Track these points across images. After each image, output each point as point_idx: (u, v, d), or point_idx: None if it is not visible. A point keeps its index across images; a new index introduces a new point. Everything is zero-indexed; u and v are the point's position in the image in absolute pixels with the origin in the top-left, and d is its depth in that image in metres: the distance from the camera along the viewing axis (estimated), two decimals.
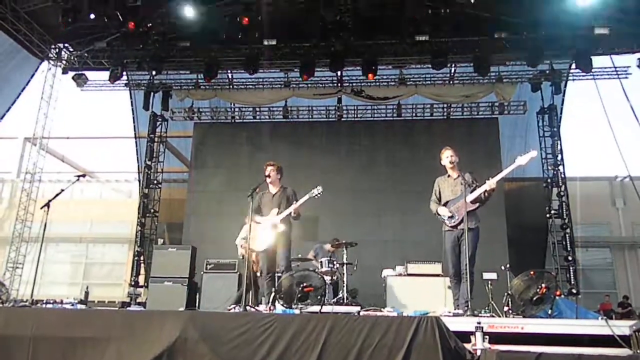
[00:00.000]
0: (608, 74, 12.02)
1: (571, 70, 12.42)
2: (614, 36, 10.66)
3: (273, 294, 5.89)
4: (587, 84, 12.69)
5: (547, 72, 12.48)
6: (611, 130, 10.03)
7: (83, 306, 6.80)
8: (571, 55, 11.57)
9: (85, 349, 4.43)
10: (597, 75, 11.91)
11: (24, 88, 12.54)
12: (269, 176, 6.58)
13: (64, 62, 12.61)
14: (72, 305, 6.11)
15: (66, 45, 12.42)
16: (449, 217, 5.95)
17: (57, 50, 12.46)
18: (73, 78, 12.52)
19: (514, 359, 3.78)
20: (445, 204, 6.07)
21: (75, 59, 12.45)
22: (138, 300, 12.09)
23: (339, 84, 13.17)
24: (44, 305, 6.12)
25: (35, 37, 11.55)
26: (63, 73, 12.66)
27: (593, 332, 4.40)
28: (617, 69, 11.71)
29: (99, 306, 12.43)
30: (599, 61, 11.59)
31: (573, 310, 8.00)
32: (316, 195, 6.31)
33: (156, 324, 4.49)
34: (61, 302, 6.27)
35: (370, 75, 11.54)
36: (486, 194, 5.82)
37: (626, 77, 11.75)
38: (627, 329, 4.31)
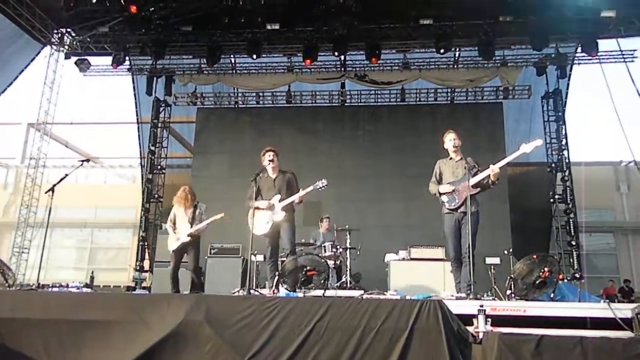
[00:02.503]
0: (614, 58, 11.88)
1: (577, 54, 12.29)
2: (620, 19, 10.56)
3: (277, 278, 5.93)
4: (592, 68, 12.59)
5: (553, 55, 12.37)
6: (616, 114, 9.98)
7: (89, 290, 6.86)
8: (577, 39, 11.45)
9: (92, 332, 4.49)
10: (603, 59, 11.79)
11: (22, 71, 12.49)
12: (272, 161, 6.59)
13: (66, 47, 12.56)
14: (78, 289, 6.17)
15: (68, 30, 12.34)
16: (449, 198, 5.92)
17: (59, 35, 12.39)
18: (76, 63, 12.47)
19: (516, 342, 3.80)
20: None
21: (78, 44, 12.40)
22: (143, 285, 12.19)
23: (343, 69, 13.09)
24: (50, 289, 6.17)
25: (37, 21, 11.50)
26: (65, 58, 12.59)
27: (595, 315, 4.42)
28: (624, 53, 11.58)
29: (105, 290, 12.54)
30: (605, 45, 11.51)
31: (575, 295, 8.03)
32: (320, 187, 6.33)
33: (161, 307, 4.53)
34: (67, 286, 6.32)
35: (373, 60, 11.48)
36: (491, 180, 5.79)
37: (632, 61, 11.63)
38: (629, 312, 4.33)
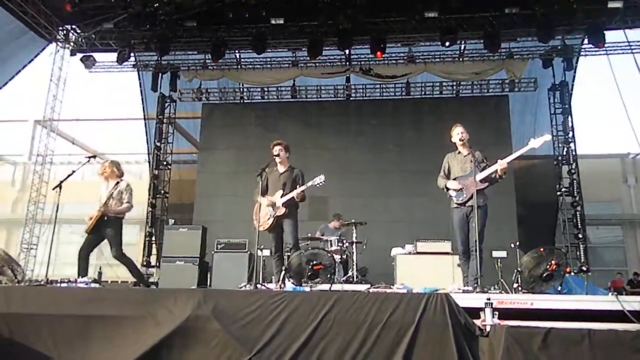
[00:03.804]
0: (621, 49, 11.78)
1: (583, 46, 12.20)
2: (627, 10, 10.45)
3: (283, 272, 5.95)
4: (599, 60, 12.49)
5: (559, 47, 12.27)
6: (624, 106, 9.93)
7: (97, 285, 6.89)
8: (583, 30, 11.36)
9: (101, 327, 4.51)
10: (610, 50, 11.71)
11: (25, 66, 12.52)
12: (278, 155, 6.61)
13: (71, 43, 12.59)
14: (87, 284, 6.20)
15: (73, 26, 12.37)
16: (457, 192, 5.94)
17: (64, 32, 12.43)
18: (81, 60, 12.51)
19: (524, 334, 3.80)
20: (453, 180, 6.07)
21: (83, 40, 12.42)
22: (150, 280, 12.25)
23: (347, 63, 13.05)
24: (58, 285, 6.21)
25: (42, 18, 11.52)
26: (71, 55, 12.62)
27: (603, 308, 4.41)
28: (631, 44, 11.47)
29: (113, 286, 12.60)
30: (611, 36, 11.40)
31: (582, 288, 8.01)
32: (318, 184, 6.34)
33: (169, 302, 4.55)
34: (75, 282, 6.36)
35: (378, 54, 11.44)
36: (498, 175, 5.79)
37: None
38: (637, 304, 4.32)
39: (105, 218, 6.62)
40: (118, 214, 6.69)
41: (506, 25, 11.11)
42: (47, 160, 13.73)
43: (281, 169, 6.70)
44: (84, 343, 4.48)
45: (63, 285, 6.20)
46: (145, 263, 13.07)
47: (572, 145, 12.70)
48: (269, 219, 6.46)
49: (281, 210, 6.42)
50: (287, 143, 6.81)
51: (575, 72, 12.82)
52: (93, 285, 6.34)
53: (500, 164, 5.73)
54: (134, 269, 6.91)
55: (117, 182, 6.74)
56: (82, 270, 6.64)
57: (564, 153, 12.72)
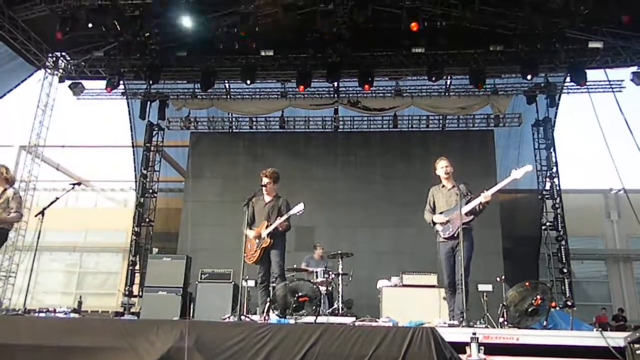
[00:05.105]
0: (602, 88, 12.12)
1: (566, 83, 12.53)
2: (607, 50, 10.82)
3: (268, 304, 5.88)
4: (581, 97, 12.79)
5: (542, 84, 12.59)
6: (605, 143, 10.15)
7: (76, 315, 6.76)
8: (566, 69, 11.68)
9: (79, 359, 4.39)
10: (592, 88, 12.02)
11: (10, 90, 12.48)
12: (265, 186, 6.61)
13: (60, 70, 12.62)
14: (65, 314, 6.06)
15: (63, 53, 12.44)
16: (444, 226, 5.96)
17: (54, 58, 12.48)
18: (69, 87, 12.52)
19: None
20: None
21: (72, 67, 12.47)
22: (132, 310, 12.00)
23: (336, 95, 13.23)
24: (36, 314, 6.06)
25: (32, 45, 11.57)
26: (60, 82, 12.63)
27: (588, 344, 4.40)
28: (611, 83, 11.80)
29: (92, 316, 12.32)
30: (593, 74, 11.74)
31: (568, 322, 7.99)
32: (298, 212, 6.33)
33: (150, 333, 4.46)
34: (54, 311, 6.21)
35: (366, 87, 11.62)
36: (481, 206, 5.84)
37: (620, 91, 11.86)
38: (621, 341, 4.32)
39: None
40: (2, 222, 6.27)
41: (491, 62, 11.43)
42: (30, 186, 13.54)
43: (267, 198, 6.68)
44: None
45: (41, 314, 6.04)
46: (127, 292, 12.82)
47: (556, 180, 12.88)
48: (256, 251, 6.42)
49: (266, 242, 6.39)
50: (276, 170, 6.79)
51: (557, 109, 13.12)
52: (72, 315, 6.20)
53: (485, 196, 5.79)
54: None
55: (4, 190, 6.33)
56: None
57: (548, 188, 12.89)
